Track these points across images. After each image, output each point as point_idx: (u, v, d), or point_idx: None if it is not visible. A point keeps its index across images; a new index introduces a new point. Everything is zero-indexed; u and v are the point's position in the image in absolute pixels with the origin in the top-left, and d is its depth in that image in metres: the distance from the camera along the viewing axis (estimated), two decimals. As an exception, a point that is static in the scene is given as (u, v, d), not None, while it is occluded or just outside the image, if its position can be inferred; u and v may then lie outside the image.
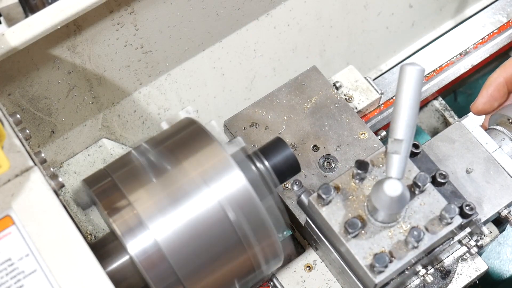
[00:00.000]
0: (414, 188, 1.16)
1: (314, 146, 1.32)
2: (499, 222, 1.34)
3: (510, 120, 1.35)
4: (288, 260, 1.28)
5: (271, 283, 1.26)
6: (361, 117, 1.41)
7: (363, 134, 1.33)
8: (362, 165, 1.15)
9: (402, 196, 1.09)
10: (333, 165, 1.30)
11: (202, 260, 1.04)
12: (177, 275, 1.04)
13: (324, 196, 1.14)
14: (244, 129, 1.33)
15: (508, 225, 1.34)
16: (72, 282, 0.97)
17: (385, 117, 1.49)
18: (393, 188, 1.09)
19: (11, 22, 1.43)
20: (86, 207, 1.51)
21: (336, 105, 1.35)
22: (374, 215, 1.13)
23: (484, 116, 1.42)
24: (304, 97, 1.36)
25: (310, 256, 1.28)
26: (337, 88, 1.40)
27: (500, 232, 1.35)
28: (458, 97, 1.82)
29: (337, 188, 1.16)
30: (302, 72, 1.38)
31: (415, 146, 1.23)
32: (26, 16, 1.45)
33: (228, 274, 1.08)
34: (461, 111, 1.39)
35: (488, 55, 1.61)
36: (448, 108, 1.65)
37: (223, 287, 1.09)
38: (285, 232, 1.36)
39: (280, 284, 1.26)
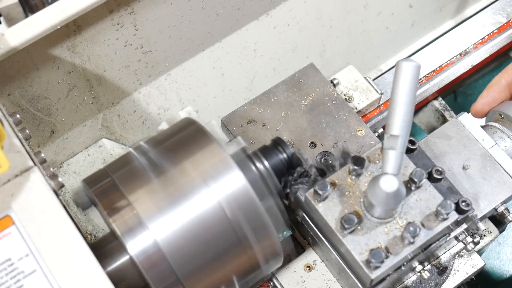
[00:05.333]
0: (410, 184, 1.16)
1: (312, 143, 1.32)
2: (499, 222, 1.34)
3: (502, 116, 1.35)
4: (288, 260, 1.28)
5: (271, 283, 1.26)
6: (361, 117, 1.41)
7: (360, 131, 1.33)
8: (358, 161, 1.16)
9: (398, 191, 1.10)
10: (330, 161, 1.30)
11: (202, 260, 1.05)
12: (177, 275, 1.04)
13: (320, 192, 1.14)
14: (242, 126, 1.33)
15: (508, 225, 1.35)
16: (72, 282, 0.97)
17: (385, 117, 1.48)
18: (389, 183, 1.09)
19: (11, 22, 1.43)
20: (86, 207, 1.51)
21: (334, 102, 1.35)
22: (370, 211, 1.14)
23: (485, 118, 1.42)
24: (302, 94, 1.36)
25: (310, 256, 1.28)
26: (334, 86, 1.40)
27: (500, 232, 1.35)
28: (458, 97, 1.82)
29: (333, 184, 1.16)
30: (300, 69, 1.38)
31: (412, 142, 1.24)
32: (26, 16, 1.45)
33: (227, 274, 1.08)
34: (461, 111, 1.39)
35: (488, 55, 1.61)
36: (448, 108, 1.65)
37: (223, 287, 1.09)
38: (285, 232, 1.36)
39: (280, 284, 1.26)
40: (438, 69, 1.59)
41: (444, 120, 1.65)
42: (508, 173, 1.29)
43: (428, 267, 1.24)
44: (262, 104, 1.35)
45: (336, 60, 1.74)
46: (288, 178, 1.19)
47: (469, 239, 1.25)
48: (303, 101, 1.35)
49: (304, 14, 1.62)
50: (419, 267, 1.20)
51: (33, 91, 1.37)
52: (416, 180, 1.15)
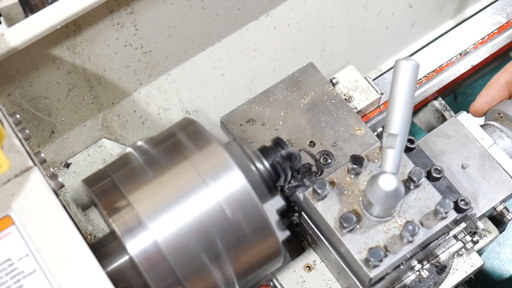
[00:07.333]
0: (409, 183, 1.16)
1: (311, 142, 1.32)
2: (499, 222, 1.34)
3: (501, 115, 1.35)
4: (288, 260, 1.28)
5: (271, 283, 1.26)
6: (361, 117, 1.41)
7: (359, 130, 1.33)
8: (357, 160, 1.16)
9: (397, 190, 1.10)
10: (330, 161, 1.30)
11: (202, 260, 1.05)
12: (177, 275, 1.04)
13: (319, 191, 1.15)
14: (241, 125, 1.33)
15: (508, 225, 1.34)
16: (72, 282, 0.98)
17: (385, 117, 1.49)
18: (388, 182, 1.09)
19: (11, 22, 1.43)
20: (86, 207, 1.51)
21: (333, 101, 1.35)
22: (369, 210, 1.14)
23: (484, 117, 1.42)
24: (301, 93, 1.36)
25: (310, 256, 1.28)
26: (333, 85, 1.41)
27: (500, 232, 1.35)
28: (458, 97, 1.82)
29: (332, 183, 1.17)
30: (299, 69, 1.38)
31: (411, 141, 1.24)
32: (26, 16, 1.45)
33: (228, 274, 1.08)
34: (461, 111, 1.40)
35: (488, 55, 1.61)
36: (448, 108, 1.65)
37: (223, 287, 1.09)
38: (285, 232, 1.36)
39: (280, 284, 1.26)
40: (438, 69, 1.59)
41: (444, 120, 1.65)
42: (507, 172, 1.29)
43: (427, 266, 1.25)
44: (261, 103, 1.35)
45: (336, 60, 1.74)
46: (290, 175, 1.19)
47: (468, 238, 1.25)
48: (302, 100, 1.35)
49: (304, 14, 1.62)
50: (418, 266, 1.20)
51: (33, 91, 1.37)
52: (415, 179, 1.15)
